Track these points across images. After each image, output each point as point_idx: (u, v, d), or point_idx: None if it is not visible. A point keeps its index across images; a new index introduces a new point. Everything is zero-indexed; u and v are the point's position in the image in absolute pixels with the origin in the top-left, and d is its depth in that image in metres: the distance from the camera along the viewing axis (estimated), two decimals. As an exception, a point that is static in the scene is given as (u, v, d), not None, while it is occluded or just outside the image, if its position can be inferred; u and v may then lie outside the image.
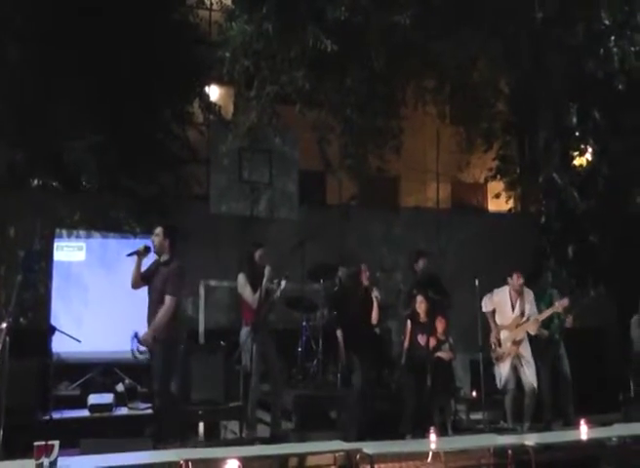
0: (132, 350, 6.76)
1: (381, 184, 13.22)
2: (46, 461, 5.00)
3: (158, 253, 7.03)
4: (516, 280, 8.26)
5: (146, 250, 6.99)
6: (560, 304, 8.33)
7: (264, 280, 7.53)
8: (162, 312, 6.79)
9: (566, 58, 10.13)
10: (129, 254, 7.02)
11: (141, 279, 7.02)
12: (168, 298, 6.80)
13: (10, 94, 8.64)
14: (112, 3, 9.39)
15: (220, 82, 11.42)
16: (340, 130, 10.83)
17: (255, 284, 7.58)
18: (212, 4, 11.57)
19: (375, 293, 8.03)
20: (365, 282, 8.18)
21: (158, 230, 7.05)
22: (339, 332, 7.95)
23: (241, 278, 7.72)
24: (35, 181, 9.78)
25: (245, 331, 7.63)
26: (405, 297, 8.67)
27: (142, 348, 6.78)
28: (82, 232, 8.98)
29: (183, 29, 10.70)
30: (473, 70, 11.50)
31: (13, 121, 8.69)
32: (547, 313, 8.36)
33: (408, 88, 11.88)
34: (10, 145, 8.88)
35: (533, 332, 8.33)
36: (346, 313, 8.07)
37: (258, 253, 7.78)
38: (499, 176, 12.78)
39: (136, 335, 6.78)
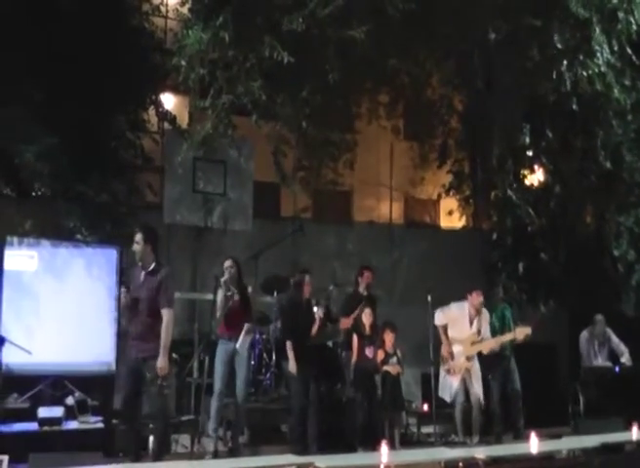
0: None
1: (335, 198, 13.28)
2: (-5, 476, 4.92)
3: (142, 260, 6.43)
4: (476, 298, 8.37)
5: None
6: (521, 332, 8.44)
7: (221, 291, 7.49)
8: (166, 330, 6.24)
9: (519, 79, 10.36)
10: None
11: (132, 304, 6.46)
12: (165, 312, 6.26)
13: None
14: (68, 7, 9.26)
15: (175, 90, 11.32)
16: (294, 141, 10.90)
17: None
18: (167, 11, 11.49)
19: (316, 309, 7.93)
20: (307, 294, 8.03)
21: (138, 237, 6.42)
22: (288, 344, 7.87)
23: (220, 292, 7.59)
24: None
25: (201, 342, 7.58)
26: (345, 309, 8.69)
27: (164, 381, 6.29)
28: (33, 240, 8.78)
29: (139, 36, 10.59)
30: (427, 87, 11.69)
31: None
32: (508, 338, 8.49)
33: (363, 102, 12.01)
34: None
35: (485, 352, 8.47)
36: (293, 324, 8.02)
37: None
38: (452, 193, 12.96)
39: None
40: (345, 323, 8.56)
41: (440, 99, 12.07)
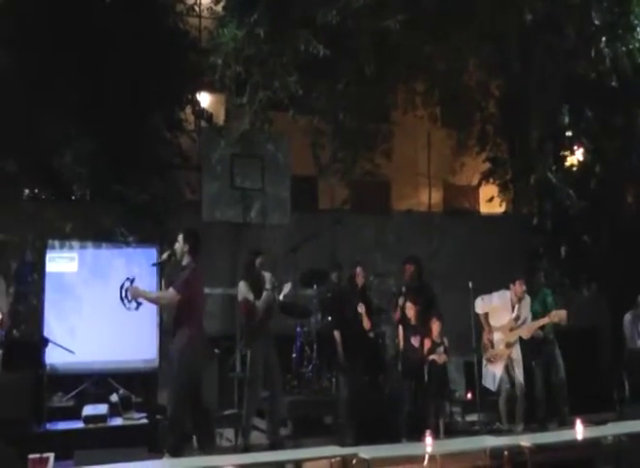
0: (121, 298, 6.47)
1: (373, 189, 13.22)
2: (41, 473, 5.00)
3: (179, 259, 6.88)
4: (518, 286, 8.29)
5: (170, 257, 6.92)
6: (556, 315, 8.30)
7: (267, 286, 7.57)
8: (159, 294, 6.71)
9: (557, 60, 10.16)
10: (153, 264, 6.96)
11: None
12: (170, 289, 6.63)
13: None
14: (103, 11, 9.37)
15: (211, 89, 11.40)
16: (331, 134, 10.87)
17: (256, 290, 7.58)
18: (202, 11, 11.55)
19: (360, 309, 7.96)
20: (359, 284, 8.15)
21: (179, 236, 6.93)
22: (336, 334, 7.93)
23: (242, 285, 7.69)
24: (26, 192, 9.73)
25: (246, 337, 7.60)
26: (394, 301, 8.66)
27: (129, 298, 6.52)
28: (74, 243, 8.93)
29: (174, 36, 10.68)
30: (464, 73, 11.54)
31: (2, 131, 8.64)
32: (542, 322, 8.35)
33: (399, 91, 11.92)
34: (0, 155, 8.84)
35: (525, 337, 8.35)
36: (342, 317, 8.03)
37: (258, 261, 7.77)
38: (491, 178, 12.78)
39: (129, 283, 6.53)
40: (396, 316, 8.56)
41: (477, 85, 11.89)
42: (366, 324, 7.98)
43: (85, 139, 9.53)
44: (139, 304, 6.54)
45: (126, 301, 6.50)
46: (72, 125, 9.41)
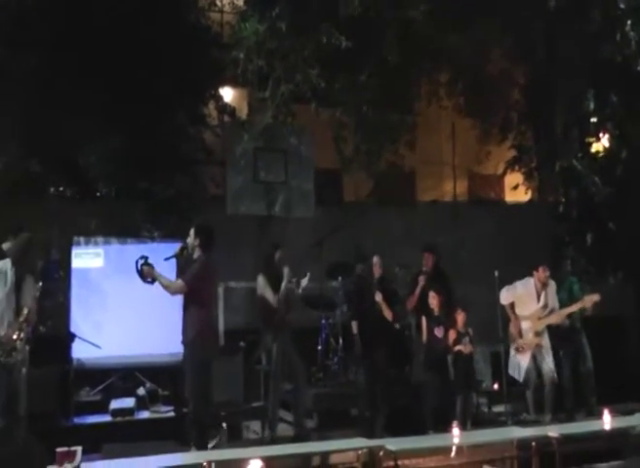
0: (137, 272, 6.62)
1: (398, 180, 13.14)
2: (69, 467, 5.04)
3: (191, 252, 6.96)
4: (542, 273, 8.21)
5: (183, 251, 6.99)
6: (589, 300, 8.21)
7: (284, 280, 7.54)
8: (168, 281, 6.74)
9: (582, 45, 10.05)
10: (167, 258, 7.05)
11: None
12: (178, 280, 6.76)
13: (24, 102, 8.70)
14: (125, 9, 9.43)
15: (233, 83, 11.45)
16: (354, 126, 10.85)
17: (275, 284, 7.57)
18: (223, 6, 11.58)
19: (377, 297, 7.89)
20: (376, 275, 8.07)
21: (191, 231, 7.03)
22: (354, 324, 7.92)
23: (261, 279, 7.70)
24: (52, 189, 9.84)
25: (266, 331, 7.60)
26: (409, 285, 8.61)
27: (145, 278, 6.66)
28: (100, 239, 9.01)
29: (196, 32, 10.71)
30: (487, 62, 11.45)
31: (27, 130, 8.73)
32: (575, 307, 8.27)
33: (422, 83, 11.87)
34: (25, 155, 8.93)
35: (556, 323, 8.27)
36: (361, 307, 8.02)
37: (277, 254, 7.78)
38: (516, 166, 12.66)
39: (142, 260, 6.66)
40: (409, 304, 8.49)
41: (501, 73, 11.79)
42: (387, 314, 7.91)
43: (109, 137, 9.60)
44: (150, 282, 6.66)
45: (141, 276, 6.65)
46: (97, 123, 9.48)
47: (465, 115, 12.66)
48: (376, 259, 8.11)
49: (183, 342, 6.73)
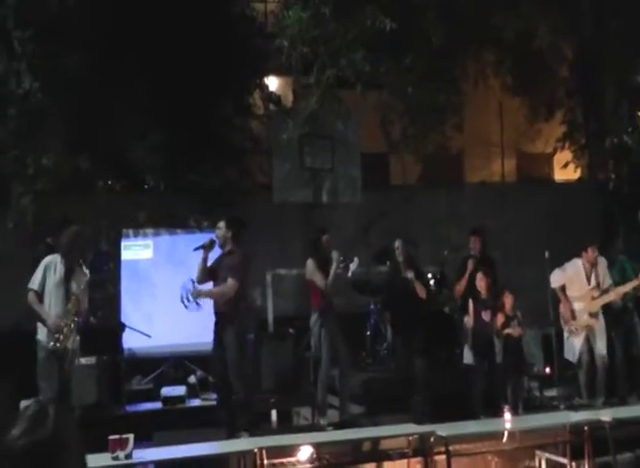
0: (181, 296, 6.85)
1: (445, 162, 12.99)
2: (121, 454, 5.14)
3: (222, 245, 7.16)
4: (590, 253, 8.06)
5: (212, 243, 7.13)
6: None
7: (334, 265, 7.54)
8: (221, 288, 6.97)
9: (630, 17, 9.76)
10: (195, 249, 7.15)
11: (208, 273, 7.17)
12: (230, 280, 6.96)
13: (72, 98, 8.84)
14: (170, 2, 9.51)
15: (278, 72, 11.47)
16: (401, 109, 10.76)
17: (323, 269, 7.59)
18: (267, -5, 11.62)
19: (409, 274, 7.80)
20: (400, 258, 7.97)
21: (221, 224, 7.20)
22: (386, 313, 7.92)
23: (310, 264, 7.71)
24: (100, 184, 10.02)
25: (314, 316, 7.62)
26: (458, 268, 8.51)
27: (190, 300, 6.88)
28: (149, 230, 9.15)
29: (240, 23, 10.75)
30: (534, 39, 11.21)
31: (76, 125, 8.88)
32: (629, 286, 8.04)
33: (468, 63, 11.69)
34: (74, 150, 9.10)
35: (613, 301, 8.08)
36: (391, 294, 7.98)
37: (324, 239, 7.80)
38: (565, 144, 12.39)
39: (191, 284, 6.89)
40: (458, 288, 8.41)
41: (548, 50, 11.51)
42: (420, 291, 7.75)
43: (157, 131, 9.72)
44: (198, 304, 6.90)
45: (186, 302, 6.85)
46: (144, 117, 9.60)
47: (513, 94, 12.42)
48: (398, 243, 8.01)
49: (228, 333, 6.86)
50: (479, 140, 12.98)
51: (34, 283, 6.48)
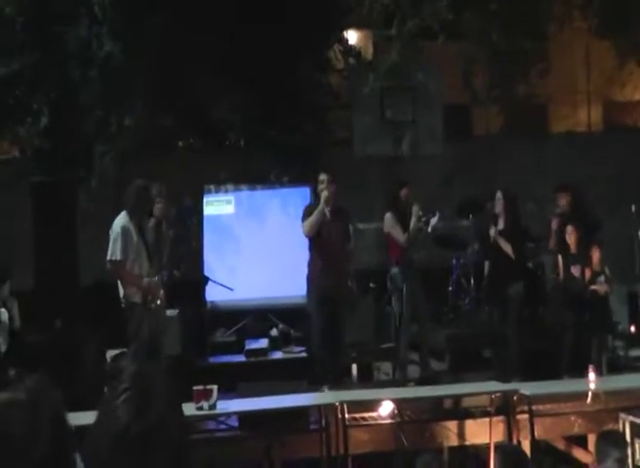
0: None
1: (529, 111, 12.57)
2: (205, 405, 5.34)
3: (326, 201, 7.03)
4: None
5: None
6: None
7: (413, 218, 7.45)
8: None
9: None
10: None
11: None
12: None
13: (153, 59, 8.94)
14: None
15: (357, 26, 11.29)
16: (484, 58, 10.46)
17: (403, 223, 7.52)
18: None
19: (492, 232, 7.62)
20: (497, 210, 7.77)
21: (322, 177, 7.09)
22: (486, 264, 7.79)
23: (389, 217, 7.65)
24: (181, 142, 10.17)
25: (394, 270, 7.58)
26: (556, 231, 8.28)
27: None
28: (230, 186, 9.27)
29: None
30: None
31: (157, 86, 9.00)
32: None
33: (554, 5, 11.22)
34: (156, 110, 9.23)
35: None
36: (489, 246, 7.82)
37: (403, 192, 7.71)
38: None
39: None
40: (551, 243, 8.20)
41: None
42: (505, 247, 7.55)
43: (237, 88, 9.74)
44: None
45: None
46: (225, 76, 9.63)
47: (601, 37, 11.86)
48: (499, 195, 7.78)
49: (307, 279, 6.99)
50: (565, 88, 12.50)
51: (115, 253, 6.35)
